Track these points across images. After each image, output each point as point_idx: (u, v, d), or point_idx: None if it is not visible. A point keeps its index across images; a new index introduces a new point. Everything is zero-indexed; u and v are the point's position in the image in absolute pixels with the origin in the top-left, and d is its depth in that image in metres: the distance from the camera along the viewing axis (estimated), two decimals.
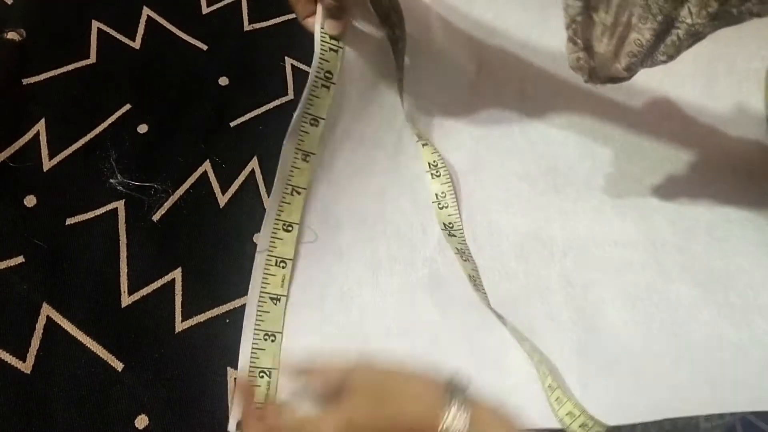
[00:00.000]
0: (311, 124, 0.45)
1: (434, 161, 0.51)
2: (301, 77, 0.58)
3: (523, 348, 0.45)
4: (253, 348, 0.44)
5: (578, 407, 0.42)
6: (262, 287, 0.45)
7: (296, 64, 0.58)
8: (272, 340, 0.45)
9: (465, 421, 0.35)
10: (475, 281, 0.48)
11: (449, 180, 0.51)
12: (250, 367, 0.44)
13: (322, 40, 0.44)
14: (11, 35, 0.55)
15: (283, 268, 0.46)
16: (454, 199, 0.50)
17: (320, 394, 0.39)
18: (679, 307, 0.48)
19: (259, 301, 0.45)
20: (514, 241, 0.51)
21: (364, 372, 0.38)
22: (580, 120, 0.56)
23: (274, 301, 0.45)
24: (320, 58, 0.44)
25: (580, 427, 0.41)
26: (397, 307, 0.47)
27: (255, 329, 0.45)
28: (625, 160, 0.55)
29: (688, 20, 0.38)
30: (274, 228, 0.45)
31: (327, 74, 0.45)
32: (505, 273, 0.49)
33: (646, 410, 0.42)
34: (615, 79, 0.44)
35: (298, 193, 0.45)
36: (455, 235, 0.50)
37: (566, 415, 0.42)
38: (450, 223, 0.50)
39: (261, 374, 0.44)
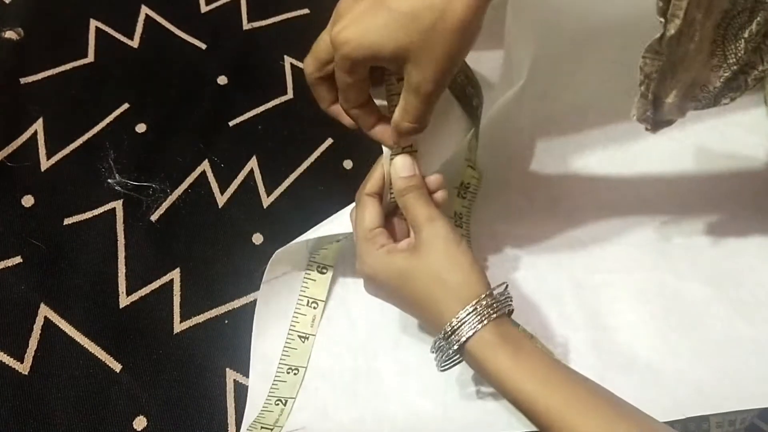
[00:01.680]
0: None
1: (468, 183, 0.51)
2: (300, 76, 0.58)
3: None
4: (275, 380, 0.44)
5: None
6: (291, 325, 0.46)
7: (295, 64, 0.58)
8: (294, 374, 0.45)
9: None
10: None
11: (470, 205, 0.51)
12: (268, 396, 0.44)
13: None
14: (9, 34, 0.55)
15: (314, 308, 0.47)
16: (468, 222, 0.50)
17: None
18: (693, 304, 0.48)
19: (287, 338, 0.46)
20: (518, 250, 0.51)
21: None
22: (581, 127, 0.55)
23: (302, 340, 0.46)
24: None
25: None
26: (404, 314, 0.47)
27: (279, 363, 0.45)
28: (624, 165, 0.55)
29: (760, 67, 0.38)
30: (308, 269, 0.47)
31: None
32: (515, 280, 0.49)
33: (668, 408, 0.42)
34: (670, 122, 0.43)
35: (338, 241, 0.47)
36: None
37: None
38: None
39: (277, 402, 0.44)
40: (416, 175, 0.38)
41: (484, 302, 0.35)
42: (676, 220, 0.52)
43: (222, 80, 0.57)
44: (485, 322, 0.35)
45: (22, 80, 0.54)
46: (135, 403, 0.43)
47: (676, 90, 0.41)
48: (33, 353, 0.44)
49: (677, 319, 0.47)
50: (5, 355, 0.43)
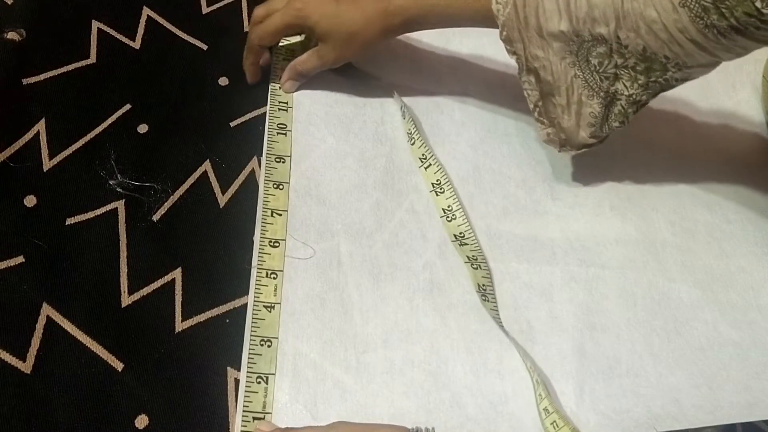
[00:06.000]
0: (277, 161, 0.52)
1: (437, 180, 0.53)
2: None
3: (525, 364, 0.45)
4: (250, 354, 0.44)
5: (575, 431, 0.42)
6: (255, 297, 0.47)
7: None
8: (268, 346, 0.45)
9: None
10: (485, 290, 0.48)
11: (454, 194, 0.52)
12: (248, 372, 0.44)
13: (272, 94, 0.56)
14: (11, 35, 0.55)
15: (274, 278, 0.47)
16: (462, 211, 0.51)
17: None
18: (681, 306, 0.49)
19: (253, 310, 0.46)
20: (513, 243, 0.51)
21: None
22: None
23: (269, 309, 0.46)
24: (271, 115, 0.54)
25: None
26: (397, 312, 0.47)
27: (251, 335, 0.45)
28: (623, 164, 0.55)
29: (626, 92, 0.45)
30: (261, 245, 0.48)
31: (280, 125, 0.54)
32: (507, 274, 0.49)
33: (642, 420, 0.43)
34: (587, 146, 0.49)
35: (279, 214, 0.49)
36: (467, 243, 0.50)
37: None
38: (461, 233, 0.50)
39: (258, 380, 0.44)
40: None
41: None
42: (669, 221, 0.53)
43: (223, 81, 0.57)
44: None
45: (25, 81, 0.54)
46: (136, 401, 0.43)
47: (566, 116, 0.48)
48: (35, 352, 0.44)
49: (662, 323, 0.48)
50: (8, 354, 0.43)
